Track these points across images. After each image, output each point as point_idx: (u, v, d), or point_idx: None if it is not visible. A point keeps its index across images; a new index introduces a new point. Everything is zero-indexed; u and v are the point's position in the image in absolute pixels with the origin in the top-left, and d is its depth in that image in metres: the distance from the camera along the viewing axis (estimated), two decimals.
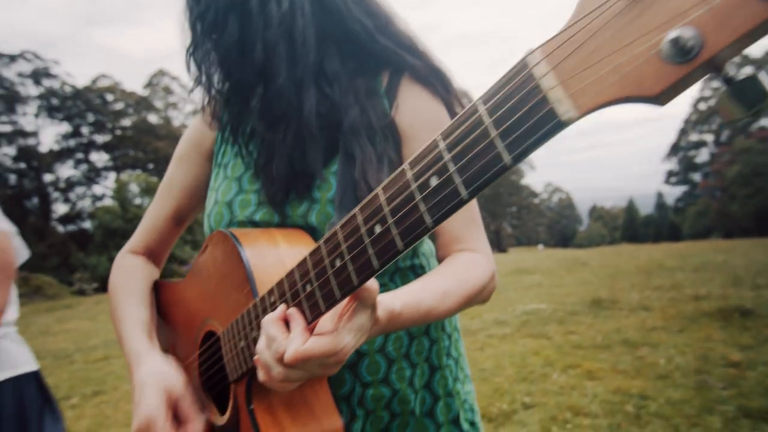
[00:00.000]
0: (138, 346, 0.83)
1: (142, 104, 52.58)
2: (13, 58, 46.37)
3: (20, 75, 46.62)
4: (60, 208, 48.55)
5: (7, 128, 44.83)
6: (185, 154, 1.02)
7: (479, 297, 0.81)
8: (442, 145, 0.45)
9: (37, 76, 47.20)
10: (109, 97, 51.34)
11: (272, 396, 0.71)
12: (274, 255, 0.73)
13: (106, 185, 50.56)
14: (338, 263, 0.56)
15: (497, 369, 4.65)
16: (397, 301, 0.66)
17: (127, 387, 5.65)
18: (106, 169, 51.53)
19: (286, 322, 0.62)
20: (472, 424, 0.95)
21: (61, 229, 45.60)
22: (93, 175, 51.02)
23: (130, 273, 0.97)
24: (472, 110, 0.43)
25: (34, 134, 47.07)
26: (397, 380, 0.86)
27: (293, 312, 0.62)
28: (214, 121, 0.97)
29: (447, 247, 0.87)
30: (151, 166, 50.44)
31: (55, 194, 47.85)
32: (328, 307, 0.59)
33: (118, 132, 50.81)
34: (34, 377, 1.63)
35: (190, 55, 0.89)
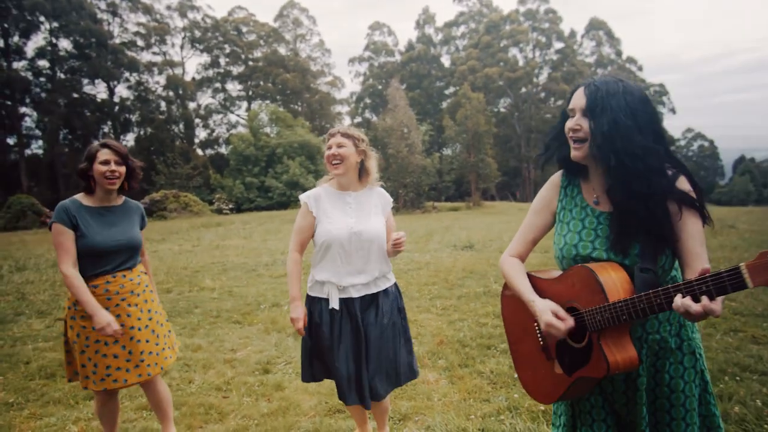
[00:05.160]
0: (530, 296, 1.59)
1: (273, 36, 54.79)
2: None
3: (168, 8, 50.66)
4: (201, 134, 53.55)
5: (158, 58, 49.57)
6: (540, 209, 1.71)
7: None
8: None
9: (183, 8, 50.90)
10: (243, 29, 54.11)
11: (608, 336, 1.40)
12: (610, 279, 1.41)
13: (240, 114, 54.53)
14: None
15: None
16: None
17: None
18: (239, 98, 55.26)
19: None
20: (700, 355, 1.56)
21: (200, 152, 50.35)
22: (228, 104, 55.11)
23: (517, 266, 1.71)
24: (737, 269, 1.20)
25: (180, 64, 51.55)
26: (663, 331, 1.52)
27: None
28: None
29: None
30: (278, 97, 53.18)
31: (197, 120, 52.63)
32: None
33: (251, 63, 53.78)
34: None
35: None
